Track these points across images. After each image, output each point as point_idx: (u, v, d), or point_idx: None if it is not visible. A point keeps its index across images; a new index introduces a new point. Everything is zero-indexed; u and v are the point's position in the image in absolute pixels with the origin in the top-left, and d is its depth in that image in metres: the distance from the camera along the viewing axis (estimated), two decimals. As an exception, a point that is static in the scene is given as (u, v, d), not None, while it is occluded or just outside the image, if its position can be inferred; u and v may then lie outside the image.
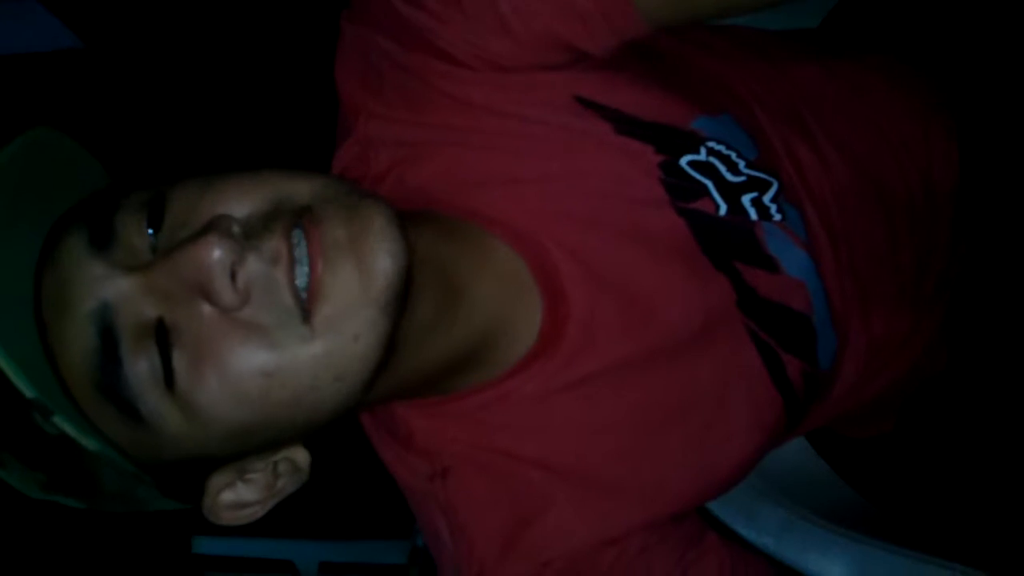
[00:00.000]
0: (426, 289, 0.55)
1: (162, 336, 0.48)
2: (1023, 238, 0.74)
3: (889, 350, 0.73)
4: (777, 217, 0.65)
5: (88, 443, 0.49)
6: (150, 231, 0.49)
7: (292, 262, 0.48)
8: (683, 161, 0.63)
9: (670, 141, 0.63)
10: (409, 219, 0.59)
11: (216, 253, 0.46)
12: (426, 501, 0.64)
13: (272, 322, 0.48)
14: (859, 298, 0.70)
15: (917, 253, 0.74)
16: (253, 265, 0.48)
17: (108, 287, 0.48)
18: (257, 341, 0.48)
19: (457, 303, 0.59)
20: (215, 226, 0.47)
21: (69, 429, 0.48)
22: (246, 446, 0.53)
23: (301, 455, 0.57)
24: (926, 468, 0.78)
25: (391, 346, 0.52)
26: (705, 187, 0.63)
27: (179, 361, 0.48)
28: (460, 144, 0.62)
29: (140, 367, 0.48)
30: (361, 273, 0.49)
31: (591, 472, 0.63)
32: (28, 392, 0.47)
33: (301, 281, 0.49)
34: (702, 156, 0.64)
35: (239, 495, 0.56)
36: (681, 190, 0.63)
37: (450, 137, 0.62)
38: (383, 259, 0.49)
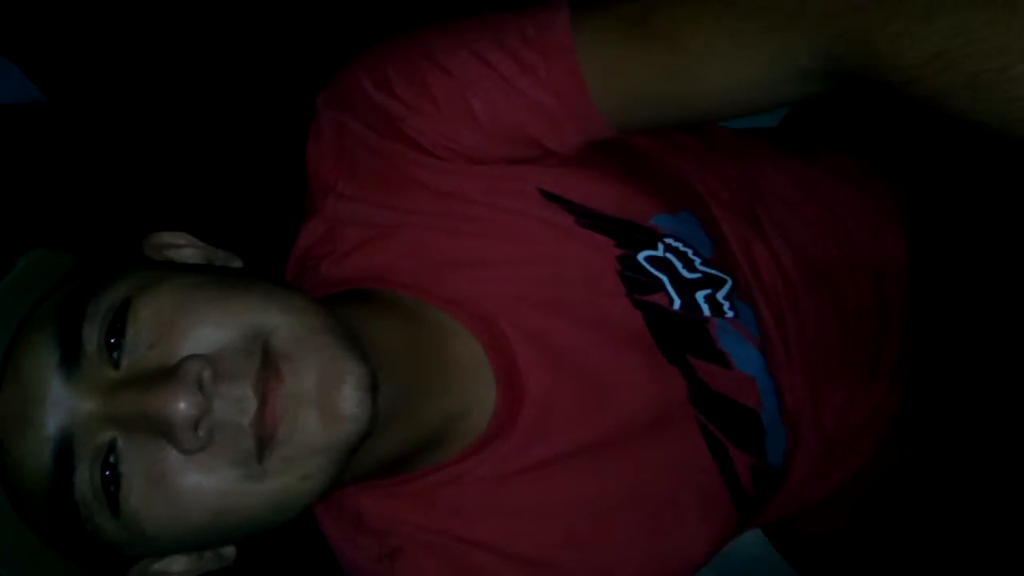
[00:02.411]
0: (389, 384, 0.55)
1: (114, 462, 0.48)
2: (973, 335, 0.75)
3: (842, 447, 0.74)
4: (730, 314, 0.66)
5: None
6: (113, 347, 0.49)
7: (260, 406, 0.49)
8: (640, 256, 0.64)
9: (630, 236, 0.65)
10: (374, 302, 0.60)
11: (182, 406, 0.46)
12: None
13: (227, 462, 0.49)
14: (810, 395, 0.71)
15: (869, 350, 0.75)
16: (219, 413, 0.48)
17: (70, 411, 0.48)
18: (210, 481, 0.48)
19: (418, 395, 0.59)
20: (185, 373, 0.47)
21: None
22: (180, 551, 0.55)
23: (229, 550, 0.58)
24: (881, 564, 0.78)
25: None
26: (661, 282, 0.64)
27: (128, 489, 0.48)
28: (428, 227, 0.63)
29: (90, 493, 0.48)
30: (323, 426, 0.49)
31: (543, 559, 0.62)
32: None
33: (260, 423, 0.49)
34: (659, 252, 0.65)
35: (165, 566, 0.57)
36: (638, 284, 0.64)
37: (418, 220, 0.63)
38: (347, 423, 0.50)
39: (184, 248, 0.59)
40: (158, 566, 0.56)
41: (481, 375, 0.62)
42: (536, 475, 0.62)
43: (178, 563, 0.57)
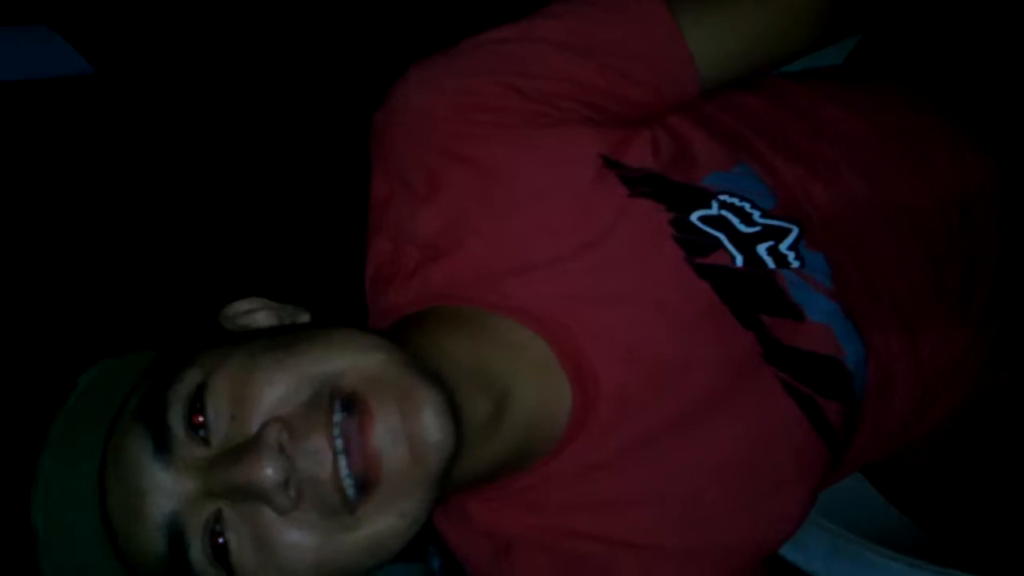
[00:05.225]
0: (473, 403, 0.57)
1: (221, 530, 0.52)
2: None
3: (944, 377, 0.73)
4: (795, 264, 0.65)
5: None
6: (199, 426, 0.53)
7: (335, 456, 0.51)
8: (694, 217, 0.64)
9: (682, 199, 0.64)
10: (443, 320, 0.62)
11: (269, 472, 0.50)
12: None
13: (321, 517, 0.52)
14: (902, 330, 0.70)
15: (962, 275, 0.73)
16: (303, 472, 0.51)
17: (173, 495, 0.52)
18: (309, 538, 0.52)
19: (503, 408, 0.60)
20: (264, 441, 0.51)
21: None
22: None
23: None
24: (977, 491, 0.78)
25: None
26: (719, 240, 0.64)
27: (239, 553, 0.52)
28: (475, 234, 0.64)
29: (206, 563, 0.52)
30: (413, 460, 0.52)
31: (648, 543, 0.64)
32: None
33: (345, 471, 0.51)
34: (713, 210, 0.65)
35: None
36: (695, 245, 0.64)
37: (466, 224, 0.64)
38: (434, 451, 0.52)
39: (257, 312, 0.62)
40: None
41: (554, 376, 0.62)
42: (621, 464, 0.63)
43: None
